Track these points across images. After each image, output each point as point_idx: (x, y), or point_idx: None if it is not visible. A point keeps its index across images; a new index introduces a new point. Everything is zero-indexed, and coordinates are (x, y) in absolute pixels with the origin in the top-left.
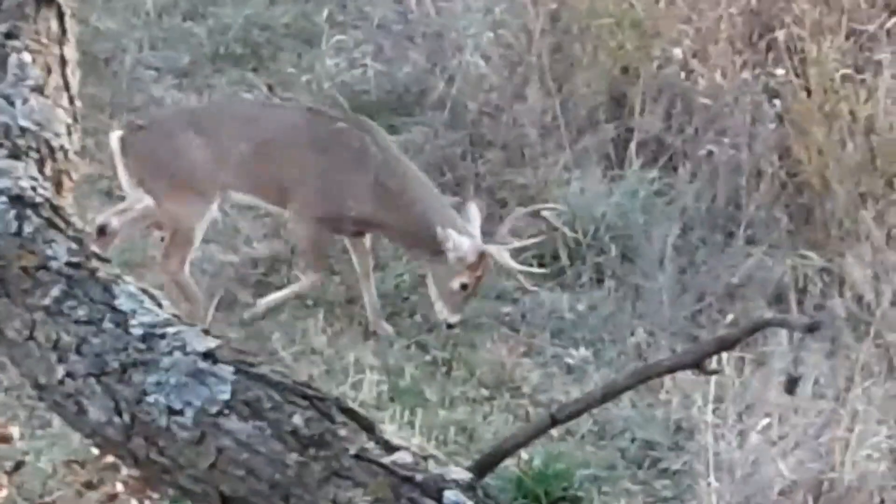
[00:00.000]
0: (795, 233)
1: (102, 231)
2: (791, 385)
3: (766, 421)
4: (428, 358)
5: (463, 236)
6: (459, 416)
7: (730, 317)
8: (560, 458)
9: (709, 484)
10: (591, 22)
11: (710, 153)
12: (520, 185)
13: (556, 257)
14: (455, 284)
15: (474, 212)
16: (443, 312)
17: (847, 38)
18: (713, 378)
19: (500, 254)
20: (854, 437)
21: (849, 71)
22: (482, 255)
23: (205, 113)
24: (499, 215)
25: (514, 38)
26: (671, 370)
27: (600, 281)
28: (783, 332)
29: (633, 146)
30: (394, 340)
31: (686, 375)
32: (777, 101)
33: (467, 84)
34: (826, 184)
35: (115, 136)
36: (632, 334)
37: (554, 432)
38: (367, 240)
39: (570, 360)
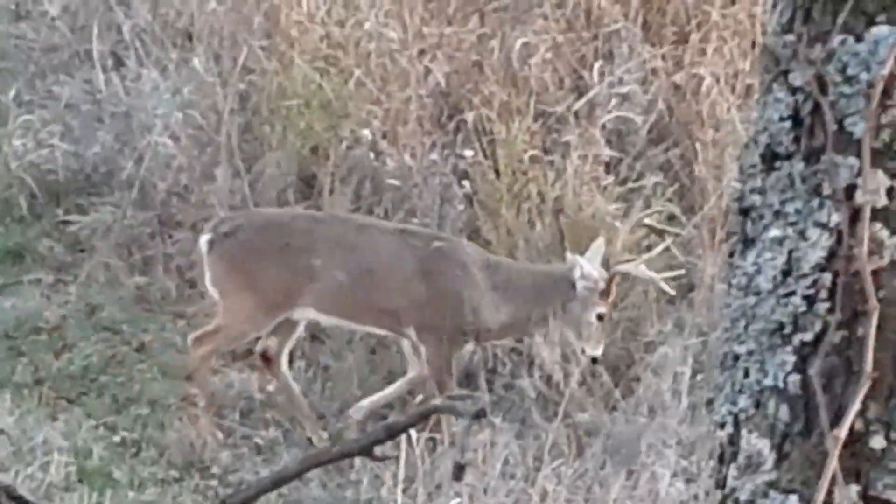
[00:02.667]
0: None
1: (266, 357)
2: (458, 471)
3: (456, 501)
4: (117, 438)
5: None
6: (149, 498)
7: (419, 397)
8: None
9: None
10: (280, 103)
11: None
12: None
13: None
14: (592, 317)
15: (598, 244)
16: (586, 349)
17: (535, 119)
18: (403, 458)
19: (637, 269)
20: None
21: (537, 152)
22: (612, 279)
23: (297, 226)
24: (187, 295)
25: (203, 119)
26: (341, 457)
27: (290, 361)
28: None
29: None
30: (82, 421)
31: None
32: (466, 182)
33: (156, 164)
34: None
35: (204, 239)
36: (323, 415)
37: None
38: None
39: (259, 441)
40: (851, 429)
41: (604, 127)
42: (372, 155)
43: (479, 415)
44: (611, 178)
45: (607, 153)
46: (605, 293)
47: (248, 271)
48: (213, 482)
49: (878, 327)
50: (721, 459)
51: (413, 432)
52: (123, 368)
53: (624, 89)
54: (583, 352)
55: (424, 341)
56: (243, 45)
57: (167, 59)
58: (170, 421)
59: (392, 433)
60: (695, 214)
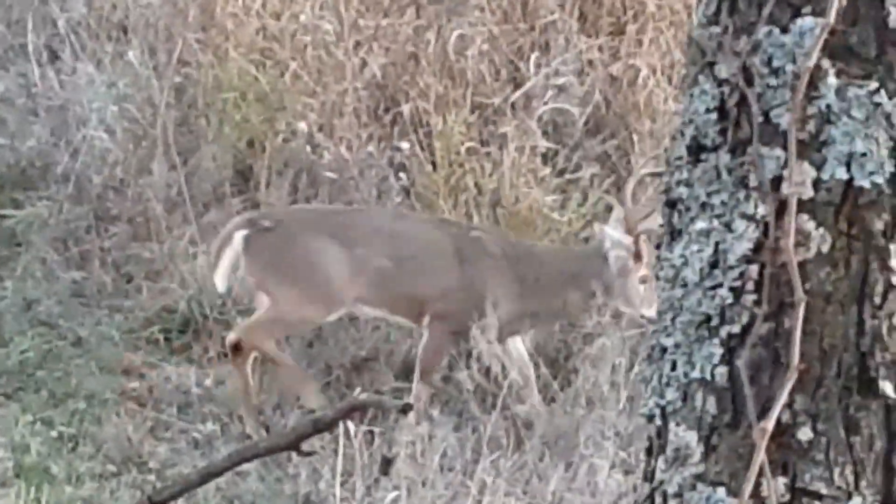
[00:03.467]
0: None
1: (237, 347)
2: (385, 465)
3: (394, 494)
4: (54, 434)
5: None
6: (86, 493)
7: (357, 389)
8: None
9: None
10: (216, 96)
11: None
12: (146, 259)
13: (182, 331)
14: (635, 283)
15: (617, 213)
16: (645, 314)
17: (472, 111)
18: (341, 451)
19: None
20: None
21: (474, 144)
22: (638, 240)
23: (337, 219)
24: (125, 290)
25: (138, 112)
26: (268, 452)
27: (227, 355)
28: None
29: None
30: (18, 416)
31: (314, 448)
32: (403, 175)
33: (92, 158)
34: None
35: (239, 235)
36: (262, 409)
37: None
38: None
39: (197, 436)
40: (779, 421)
41: (540, 118)
42: (308, 147)
43: (406, 409)
44: (548, 170)
45: (544, 145)
46: (637, 256)
47: (296, 266)
48: (151, 476)
49: (805, 319)
50: (649, 452)
51: (351, 426)
52: (60, 363)
53: (560, 81)
54: (643, 317)
55: (431, 328)
56: (178, 39)
57: (102, 52)
58: (107, 415)
59: (319, 428)
60: None
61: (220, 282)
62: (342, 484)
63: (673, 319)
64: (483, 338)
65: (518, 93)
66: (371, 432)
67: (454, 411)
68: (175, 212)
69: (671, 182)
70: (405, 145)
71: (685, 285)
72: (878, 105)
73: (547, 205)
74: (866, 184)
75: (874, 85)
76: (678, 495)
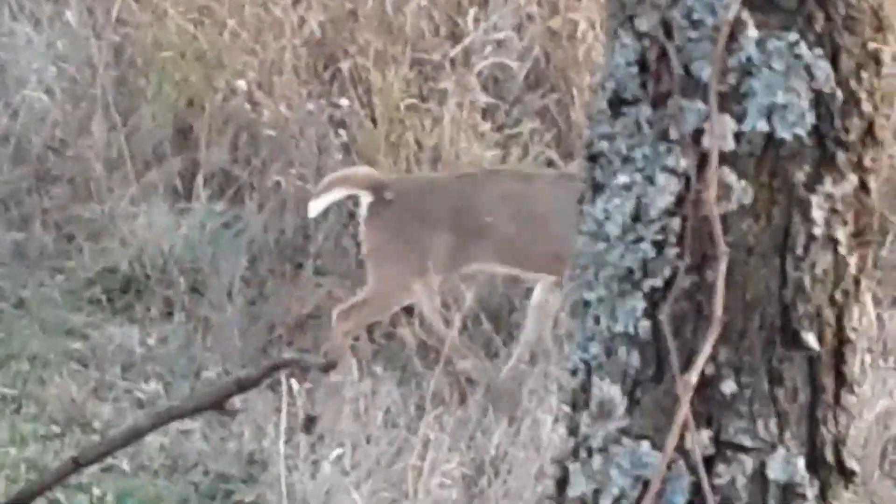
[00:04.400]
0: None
1: None
2: (309, 424)
3: (339, 451)
4: None
5: None
6: (30, 454)
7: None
8: (133, 493)
9: None
10: (155, 54)
11: (278, 184)
12: (87, 220)
13: (124, 291)
14: None
15: None
16: None
17: (411, 67)
18: (285, 409)
19: None
20: (426, 464)
21: (414, 100)
22: None
23: (463, 191)
24: (66, 251)
25: (77, 73)
26: (194, 411)
27: (170, 314)
28: (355, 361)
29: (199, 179)
30: None
31: (258, 406)
32: (343, 132)
33: (31, 119)
34: None
35: (365, 201)
36: (205, 367)
37: (126, 467)
38: None
39: (141, 395)
40: (702, 374)
41: (480, 74)
42: (248, 106)
43: (329, 367)
44: (488, 125)
45: (484, 100)
46: None
47: (415, 238)
48: (95, 437)
49: (728, 272)
50: (574, 406)
51: (294, 383)
52: (2, 324)
53: (499, 35)
54: None
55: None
56: None
57: (40, 12)
58: (50, 376)
59: (243, 387)
60: (573, 159)
61: (313, 210)
62: (286, 442)
63: (595, 274)
64: (426, 293)
65: (457, 48)
66: (314, 389)
67: (397, 367)
68: (116, 172)
69: (592, 136)
70: (345, 102)
71: (607, 239)
72: (798, 57)
73: (487, 160)
74: (787, 136)
75: (794, 36)
76: (603, 449)
